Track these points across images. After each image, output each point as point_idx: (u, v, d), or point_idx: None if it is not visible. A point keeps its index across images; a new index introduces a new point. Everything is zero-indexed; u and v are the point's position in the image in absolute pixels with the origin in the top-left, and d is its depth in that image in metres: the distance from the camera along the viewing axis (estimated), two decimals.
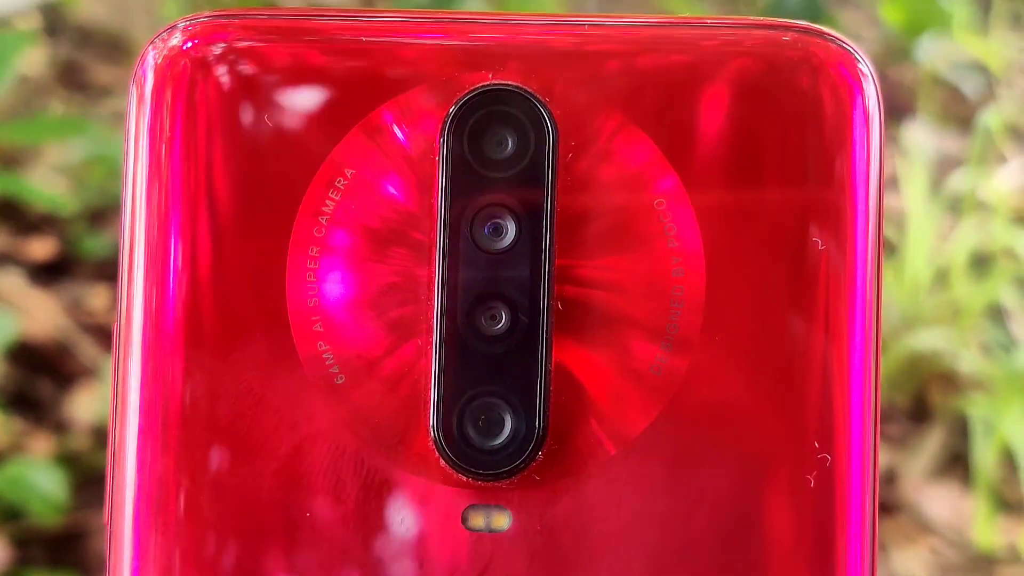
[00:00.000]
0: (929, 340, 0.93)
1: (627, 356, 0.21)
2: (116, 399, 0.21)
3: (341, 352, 0.21)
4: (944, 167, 1.13)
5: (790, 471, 0.20)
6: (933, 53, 1.27)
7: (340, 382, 0.21)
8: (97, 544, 0.79)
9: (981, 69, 1.28)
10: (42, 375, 0.90)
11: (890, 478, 0.89)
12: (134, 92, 0.21)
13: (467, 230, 0.21)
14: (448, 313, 0.21)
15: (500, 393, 0.21)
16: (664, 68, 0.21)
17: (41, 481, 0.76)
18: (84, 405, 0.88)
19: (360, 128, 0.21)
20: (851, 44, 0.21)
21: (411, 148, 0.21)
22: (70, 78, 1.21)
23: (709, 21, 0.21)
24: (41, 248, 1.01)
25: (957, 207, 1.06)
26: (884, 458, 0.90)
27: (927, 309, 0.96)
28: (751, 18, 0.21)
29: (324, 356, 0.21)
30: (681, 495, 0.20)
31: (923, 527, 0.85)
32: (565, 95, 0.21)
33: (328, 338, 0.21)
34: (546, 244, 0.21)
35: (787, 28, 0.21)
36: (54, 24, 1.25)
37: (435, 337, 0.21)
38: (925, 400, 0.95)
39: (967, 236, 1.00)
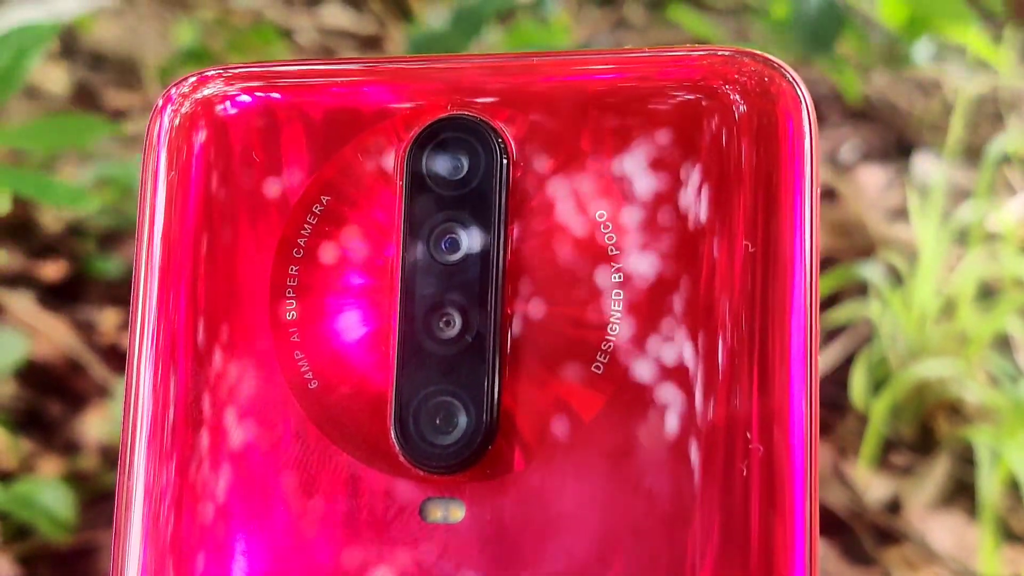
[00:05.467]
0: (936, 369, 0.93)
1: (570, 355, 0.22)
2: (128, 407, 0.24)
3: (315, 359, 0.23)
4: (953, 198, 1.13)
5: (725, 461, 0.21)
6: (929, 55, 1.26)
7: (313, 387, 0.23)
8: (104, 562, 0.79)
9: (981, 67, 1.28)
10: (52, 396, 0.91)
11: (895, 507, 0.89)
12: (152, 135, 0.24)
13: (425, 244, 0.23)
14: (407, 319, 0.23)
15: (453, 392, 0.22)
16: (608, 97, 0.23)
17: (49, 500, 0.76)
18: (93, 425, 0.88)
19: (334, 160, 0.24)
20: (787, 68, 0.23)
21: (379, 175, 0.23)
22: (84, 101, 1.22)
23: (648, 52, 0.23)
24: (52, 270, 1.01)
25: (965, 237, 1.06)
26: (890, 487, 0.90)
27: (934, 339, 0.96)
28: (688, 46, 0.23)
29: (299, 363, 0.23)
30: (623, 485, 0.21)
31: (928, 556, 0.85)
32: (519, 123, 0.23)
33: (304, 348, 0.23)
34: (496, 256, 0.23)
35: (726, 54, 0.23)
36: (68, 47, 1.26)
37: (395, 341, 0.23)
38: (931, 429, 0.95)
39: (975, 266, 1.01)
